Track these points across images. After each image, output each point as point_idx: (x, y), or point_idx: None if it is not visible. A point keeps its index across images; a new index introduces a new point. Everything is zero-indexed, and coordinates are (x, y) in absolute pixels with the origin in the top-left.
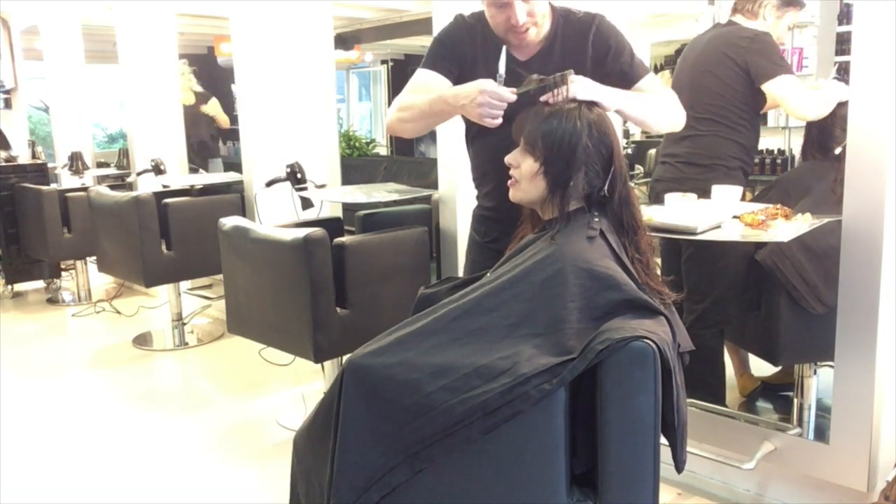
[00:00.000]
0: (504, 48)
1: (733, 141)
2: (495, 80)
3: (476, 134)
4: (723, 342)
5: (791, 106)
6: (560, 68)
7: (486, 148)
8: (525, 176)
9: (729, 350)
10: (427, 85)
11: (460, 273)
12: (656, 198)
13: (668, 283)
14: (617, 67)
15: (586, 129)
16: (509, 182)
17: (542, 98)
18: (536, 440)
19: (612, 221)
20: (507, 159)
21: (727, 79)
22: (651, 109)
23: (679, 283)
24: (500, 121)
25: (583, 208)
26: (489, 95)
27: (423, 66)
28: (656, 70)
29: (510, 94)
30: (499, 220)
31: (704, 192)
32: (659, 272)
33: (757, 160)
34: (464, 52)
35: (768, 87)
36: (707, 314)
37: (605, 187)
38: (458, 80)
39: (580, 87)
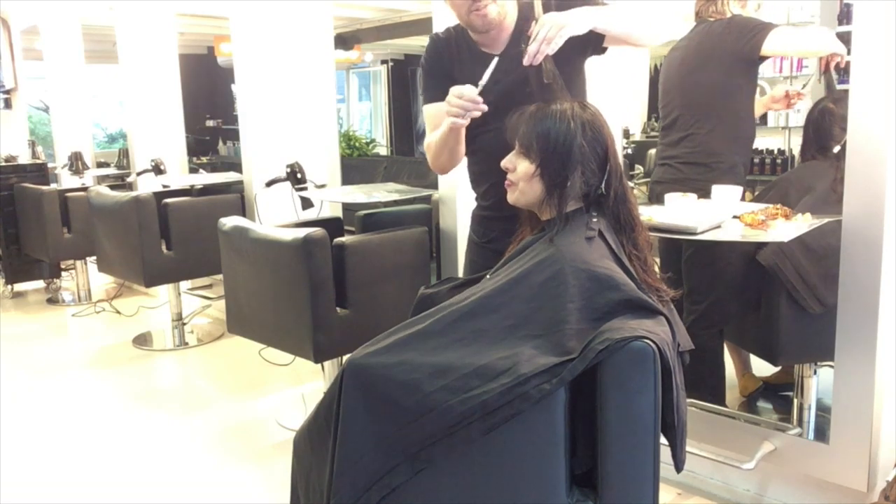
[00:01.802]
0: (495, 58)
1: (730, 137)
2: (476, 84)
3: (470, 134)
4: (722, 342)
5: (799, 50)
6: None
7: (482, 147)
8: (522, 178)
9: (729, 350)
10: (434, 118)
11: (460, 273)
12: (657, 199)
13: (667, 280)
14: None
15: (580, 129)
16: (506, 184)
17: (525, 62)
18: (536, 440)
19: (610, 219)
20: (504, 163)
21: (715, 73)
22: (630, 16)
23: (678, 281)
24: (465, 121)
25: (581, 209)
26: (455, 95)
27: (423, 102)
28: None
29: (472, 92)
30: (496, 220)
31: (705, 192)
32: (657, 270)
33: (757, 160)
34: (446, 68)
35: (766, 50)
36: (706, 314)
37: (602, 185)
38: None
39: (548, 23)
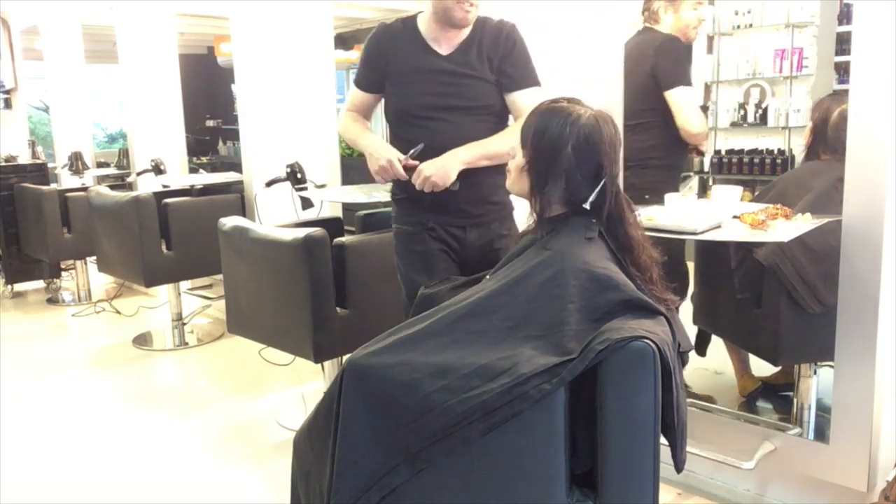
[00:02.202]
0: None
1: (646, 143)
2: (410, 83)
3: (403, 119)
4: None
5: (681, 119)
6: (477, 64)
7: (418, 135)
8: (515, 167)
9: (729, 350)
10: (359, 102)
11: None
12: None
13: (672, 288)
14: (506, 68)
15: (573, 139)
16: (507, 169)
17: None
18: (536, 440)
19: (609, 237)
20: (512, 147)
21: (639, 87)
22: (498, 144)
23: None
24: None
25: (572, 213)
26: (389, 167)
27: (354, 82)
28: None
29: (402, 174)
30: (434, 212)
31: (631, 189)
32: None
33: (757, 160)
34: (381, 63)
35: (668, 95)
36: None
37: (590, 200)
38: (382, 83)
39: (433, 179)
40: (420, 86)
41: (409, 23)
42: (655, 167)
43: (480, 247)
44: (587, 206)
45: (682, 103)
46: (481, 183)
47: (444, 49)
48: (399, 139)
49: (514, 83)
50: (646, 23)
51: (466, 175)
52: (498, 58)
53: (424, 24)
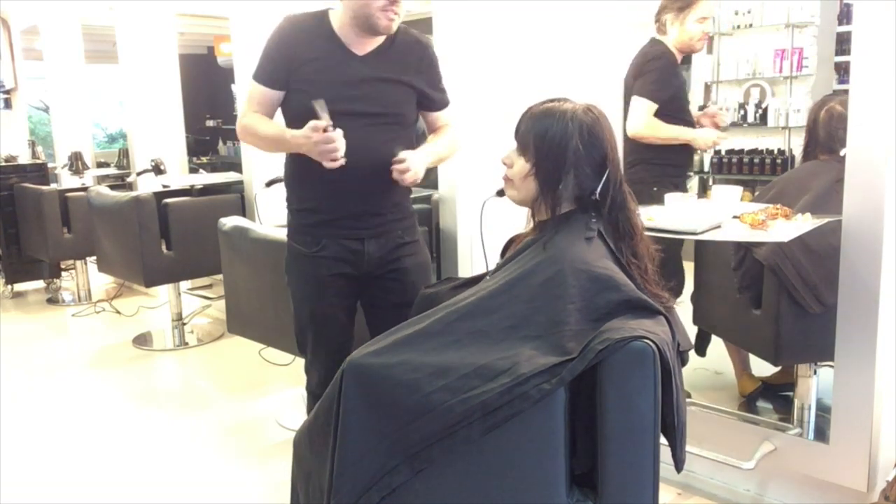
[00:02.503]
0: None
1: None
2: (318, 115)
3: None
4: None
5: (627, 122)
6: (392, 65)
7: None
8: (517, 176)
9: (729, 350)
10: (261, 100)
11: (460, 273)
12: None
13: (668, 288)
14: (430, 92)
15: (577, 132)
16: (503, 180)
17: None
18: (536, 440)
19: (608, 226)
20: (502, 159)
21: (631, 91)
22: (446, 149)
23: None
24: (343, 161)
25: (577, 210)
26: (322, 142)
27: (255, 77)
28: None
29: (337, 135)
30: (324, 225)
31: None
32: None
33: (757, 160)
34: (293, 53)
35: (631, 115)
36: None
37: (598, 191)
38: (287, 81)
39: (413, 176)
40: (332, 88)
41: (321, 18)
42: (661, 165)
43: (380, 258)
44: (596, 195)
45: (632, 109)
46: (385, 184)
47: (359, 49)
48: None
49: (437, 104)
50: (657, 33)
51: (365, 179)
52: (414, 69)
53: (338, 24)
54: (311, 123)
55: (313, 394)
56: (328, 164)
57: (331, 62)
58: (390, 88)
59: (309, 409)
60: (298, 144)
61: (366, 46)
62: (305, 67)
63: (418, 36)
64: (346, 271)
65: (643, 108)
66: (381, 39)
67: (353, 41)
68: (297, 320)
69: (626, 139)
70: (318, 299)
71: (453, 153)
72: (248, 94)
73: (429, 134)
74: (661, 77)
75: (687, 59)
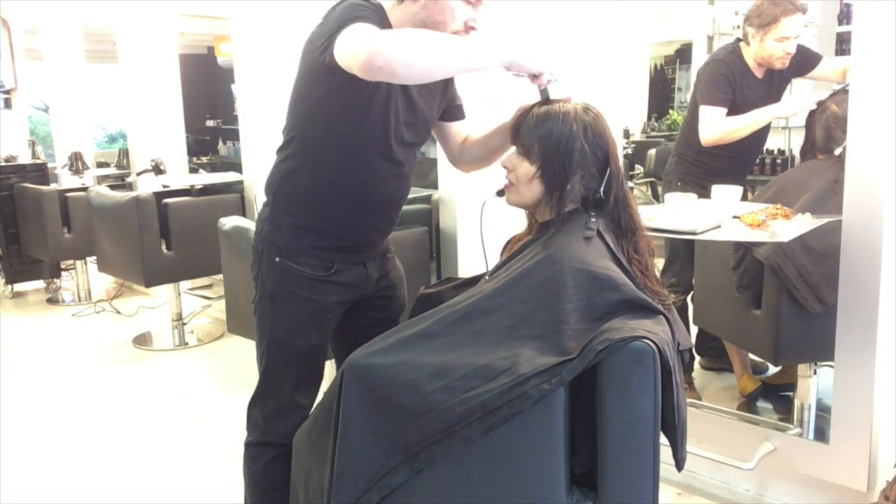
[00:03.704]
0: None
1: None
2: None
3: (338, 139)
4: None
5: (699, 132)
6: (432, 93)
7: (357, 164)
8: (522, 179)
9: (729, 350)
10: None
11: (460, 273)
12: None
13: (668, 285)
14: (454, 97)
15: (582, 132)
16: (505, 185)
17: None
18: (536, 440)
19: (610, 223)
20: (503, 163)
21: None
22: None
23: (683, 283)
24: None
25: (579, 209)
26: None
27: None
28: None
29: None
30: (339, 250)
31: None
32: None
33: (757, 160)
34: None
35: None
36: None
37: (602, 189)
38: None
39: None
40: (390, 114)
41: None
42: (689, 162)
43: (377, 279)
44: (600, 193)
45: (701, 118)
46: (400, 212)
47: None
48: (336, 165)
49: (460, 111)
50: (741, 40)
51: (390, 209)
52: (441, 85)
53: None
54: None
55: (261, 441)
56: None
57: (387, 88)
58: (427, 116)
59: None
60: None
61: None
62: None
63: None
64: (351, 297)
65: (706, 116)
66: None
67: None
68: (275, 357)
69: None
70: (318, 329)
71: None
72: (364, 29)
73: (448, 145)
74: (710, 80)
75: (687, 59)
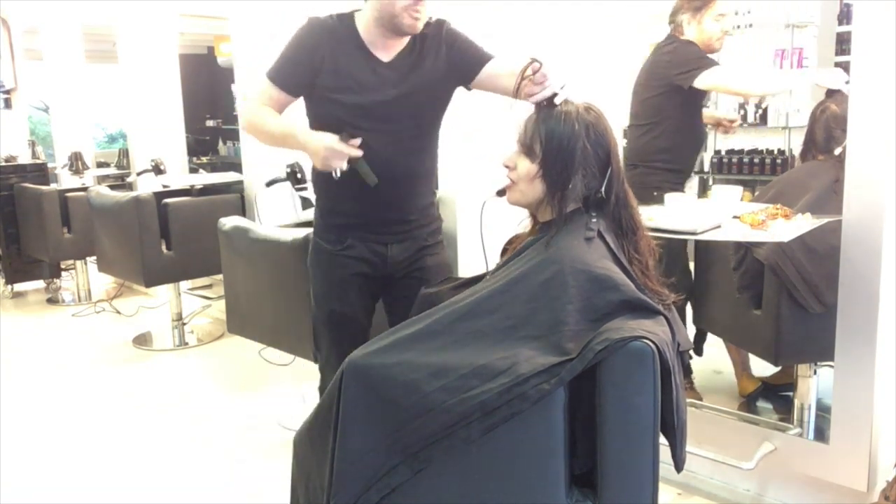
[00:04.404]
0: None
1: (654, 145)
2: (350, 91)
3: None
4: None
5: (737, 88)
6: (420, 66)
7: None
8: (522, 178)
9: (729, 350)
10: (274, 100)
11: (460, 273)
12: None
13: (668, 284)
14: (471, 54)
15: (584, 131)
16: (506, 185)
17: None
18: (535, 440)
19: (611, 223)
20: (504, 161)
21: (654, 91)
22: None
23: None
24: (344, 167)
25: (580, 209)
26: (333, 153)
27: (271, 76)
28: None
29: (356, 152)
30: (354, 227)
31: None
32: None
33: (757, 160)
34: (319, 56)
35: (700, 85)
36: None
37: (603, 189)
38: (309, 85)
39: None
40: (359, 102)
41: (347, 21)
42: (663, 170)
43: (404, 260)
44: (602, 192)
45: (719, 81)
46: (414, 191)
47: (384, 55)
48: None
49: (479, 58)
50: (672, 34)
51: (393, 189)
52: (444, 60)
53: (363, 26)
54: (330, 138)
55: None
56: (331, 170)
57: (357, 73)
58: (417, 97)
59: None
60: (305, 144)
61: (392, 50)
62: (330, 77)
63: (434, 24)
64: (365, 271)
65: (728, 69)
66: (405, 41)
67: (379, 45)
68: (314, 319)
69: (627, 143)
70: (339, 299)
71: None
72: (259, 90)
73: (500, 79)
74: (701, 54)
75: None
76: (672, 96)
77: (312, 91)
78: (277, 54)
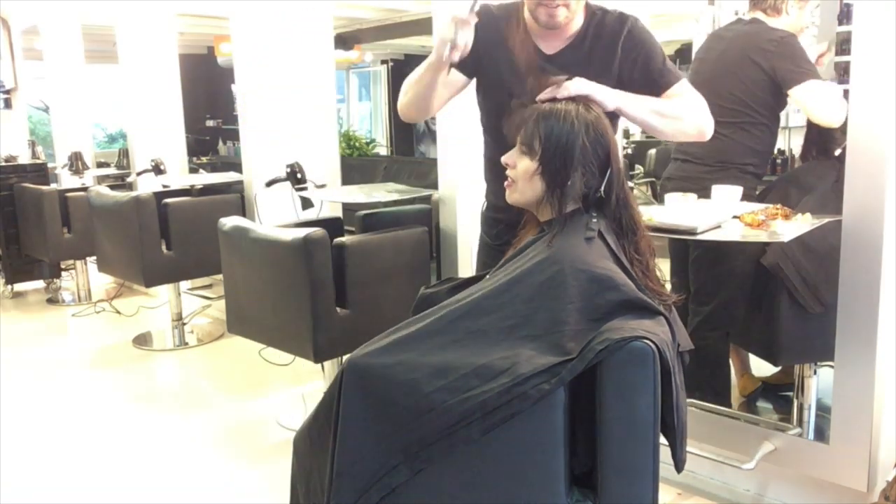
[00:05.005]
0: None
1: (748, 145)
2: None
3: (488, 125)
4: (728, 345)
5: (815, 113)
6: (587, 66)
7: (498, 140)
8: (522, 176)
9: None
10: (445, 81)
11: (460, 273)
12: (663, 195)
13: (670, 284)
14: (645, 74)
15: (583, 130)
16: (506, 183)
17: (541, 97)
18: (536, 440)
19: (611, 223)
20: (504, 159)
21: (750, 83)
22: (658, 113)
23: (684, 284)
24: (454, 55)
25: (580, 209)
26: (455, 22)
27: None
28: None
29: (470, 16)
30: (513, 225)
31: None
32: (659, 274)
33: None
34: (484, 47)
35: (794, 93)
36: (713, 316)
37: (602, 188)
38: (475, 71)
39: (576, 83)
40: (521, 86)
41: (515, 10)
42: (751, 173)
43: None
44: (601, 193)
45: (813, 96)
46: None
47: (549, 47)
48: (487, 147)
49: (658, 87)
50: (754, 12)
51: None
52: (619, 62)
53: (528, 16)
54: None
55: None
56: (443, 52)
57: (519, 60)
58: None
59: None
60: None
61: (555, 43)
62: (493, 67)
63: (616, 19)
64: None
65: (825, 89)
66: (569, 34)
67: (541, 37)
68: None
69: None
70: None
71: (674, 121)
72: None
73: None
74: (800, 51)
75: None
76: (768, 90)
77: (478, 77)
78: None
